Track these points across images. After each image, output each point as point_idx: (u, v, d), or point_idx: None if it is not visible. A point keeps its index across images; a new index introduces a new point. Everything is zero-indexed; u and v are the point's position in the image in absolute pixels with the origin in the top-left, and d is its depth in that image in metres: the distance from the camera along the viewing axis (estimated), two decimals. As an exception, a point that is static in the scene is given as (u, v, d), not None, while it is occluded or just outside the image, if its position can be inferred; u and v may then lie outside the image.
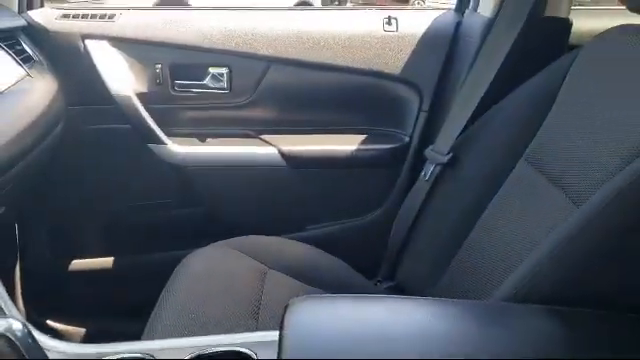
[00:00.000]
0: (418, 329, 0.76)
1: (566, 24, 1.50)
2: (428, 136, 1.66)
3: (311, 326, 0.73)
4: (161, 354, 0.84)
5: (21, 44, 1.46)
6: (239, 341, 0.86)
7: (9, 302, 0.98)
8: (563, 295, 0.80)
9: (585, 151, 1.01)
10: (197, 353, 0.81)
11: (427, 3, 7.33)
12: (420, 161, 1.55)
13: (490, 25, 1.52)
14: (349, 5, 8.37)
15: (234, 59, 1.70)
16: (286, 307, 0.74)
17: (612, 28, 1.17)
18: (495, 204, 1.24)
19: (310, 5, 6.55)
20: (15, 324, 0.63)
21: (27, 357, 0.61)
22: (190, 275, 1.30)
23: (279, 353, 0.66)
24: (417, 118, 1.73)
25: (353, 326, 0.74)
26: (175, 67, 1.69)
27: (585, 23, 1.52)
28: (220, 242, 1.41)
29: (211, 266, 1.34)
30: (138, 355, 0.83)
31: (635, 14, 1.13)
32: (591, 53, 1.19)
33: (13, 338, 0.62)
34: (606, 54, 1.15)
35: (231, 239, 1.43)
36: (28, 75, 1.37)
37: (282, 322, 0.71)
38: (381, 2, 7.40)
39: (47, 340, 0.89)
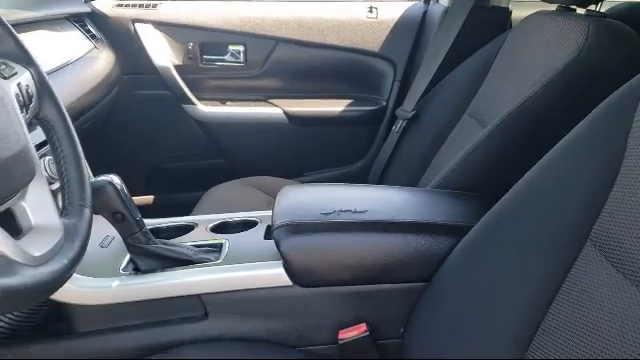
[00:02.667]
0: (379, 192, 1.07)
1: (506, 12, 1.66)
2: (400, 100, 1.80)
3: (291, 196, 1.02)
4: (198, 221, 1.09)
5: (87, 25, 1.71)
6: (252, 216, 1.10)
7: None
8: (464, 185, 1.09)
9: (503, 97, 1.21)
10: (221, 220, 1.08)
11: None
12: (393, 120, 1.70)
13: (446, 12, 1.69)
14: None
15: (249, 39, 1.89)
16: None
17: (531, 14, 1.33)
18: (443, 149, 1.42)
19: None
20: (116, 178, 0.85)
21: (125, 200, 0.90)
22: (213, 201, 1.51)
23: (272, 218, 0.96)
24: (392, 86, 1.91)
25: (323, 191, 1.05)
26: (203, 45, 1.89)
27: (522, 12, 1.58)
28: (236, 180, 1.64)
29: (229, 196, 1.55)
30: (183, 223, 1.08)
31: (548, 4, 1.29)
32: (516, 34, 1.35)
33: (117, 185, 0.84)
34: (525, 34, 1.31)
35: (245, 178, 1.65)
36: (95, 48, 1.64)
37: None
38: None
39: None
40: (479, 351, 0.75)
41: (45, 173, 0.64)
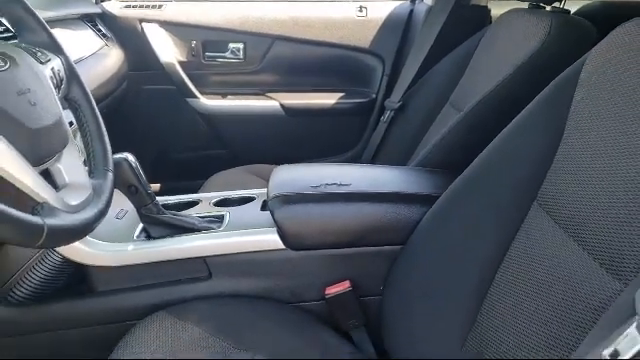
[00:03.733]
0: (363, 169, 1.18)
1: (485, 10, 1.72)
2: (388, 92, 1.86)
3: (284, 173, 1.13)
4: (202, 198, 1.19)
5: (98, 25, 1.81)
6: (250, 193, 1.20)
7: None
8: (439, 163, 1.20)
9: (478, 88, 1.26)
10: (223, 197, 1.19)
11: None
12: (382, 111, 1.78)
13: (430, 11, 1.79)
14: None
15: (248, 37, 1.98)
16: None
17: (505, 12, 1.40)
18: (426, 137, 1.49)
19: None
20: (130, 156, 0.97)
21: (139, 175, 0.99)
22: (214, 187, 1.58)
23: (267, 191, 1.07)
24: (381, 80, 2.00)
25: (312, 169, 1.15)
26: (205, 43, 1.99)
27: (500, 10, 1.60)
28: (236, 168, 1.73)
29: (229, 182, 1.62)
30: (189, 199, 1.19)
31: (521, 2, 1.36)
32: (492, 30, 1.43)
33: (131, 162, 0.96)
34: (499, 30, 1.38)
35: (244, 166, 1.74)
36: (106, 45, 1.74)
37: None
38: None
39: None
40: (445, 302, 0.86)
41: (76, 142, 0.74)
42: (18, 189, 0.56)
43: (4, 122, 0.57)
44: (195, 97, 1.99)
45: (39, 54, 0.72)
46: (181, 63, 1.97)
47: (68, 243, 0.62)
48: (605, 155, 0.69)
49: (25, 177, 0.57)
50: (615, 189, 0.66)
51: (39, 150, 0.62)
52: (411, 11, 1.99)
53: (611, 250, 0.63)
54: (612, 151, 0.69)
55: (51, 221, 0.56)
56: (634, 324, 0.40)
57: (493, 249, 0.82)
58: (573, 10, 1.50)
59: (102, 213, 0.67)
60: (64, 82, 0.76)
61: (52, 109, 0.66)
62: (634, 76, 0.70)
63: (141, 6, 1.95)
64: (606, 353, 0.41)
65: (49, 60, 0.73)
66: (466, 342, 0.80)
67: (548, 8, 1.27)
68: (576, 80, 0.82)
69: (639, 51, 0.72)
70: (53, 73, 0.72)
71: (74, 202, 0.63)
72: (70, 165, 0.68)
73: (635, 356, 0.39)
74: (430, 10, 1.80)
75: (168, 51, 1.97)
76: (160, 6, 1.95)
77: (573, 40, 1.16)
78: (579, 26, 1.19)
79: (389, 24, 2.00)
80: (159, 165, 2.03)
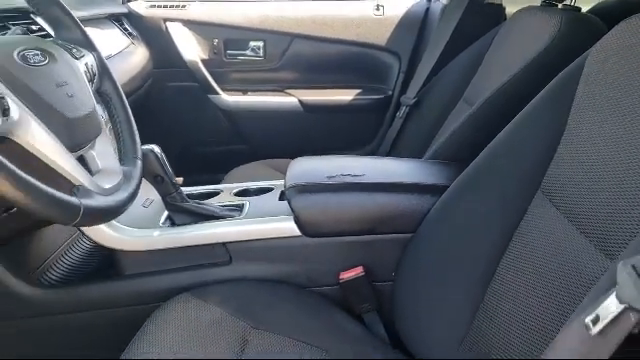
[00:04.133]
0: (377, 161, 1.22)
1: (500, 8, 1.72)
2: (404, 89, 1.91)
3: (301, 164, 1.18)
4: (223, 188, 1.24)
5: (124, 24, 1.87)
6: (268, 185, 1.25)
7: None
8: (450, 156, 1.23)
9: (489, 84, 1.28)
10: (243, 187, 1.24)
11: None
12: (398, 108, 1.81)
13: (445, 9, 1.83)
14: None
15: (268, 35, 2.05)
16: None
17: (518, 10, 1.42)
18: (440, 132, 1.51)
19: None
20: (156, 148, 1.02)
21: (164, 165, 1.05)
22: (234, 180, 1.59)
23: (285, 182, 1.11)
24: (397, 77, 2.05)
25: (328, 160, 1.19)
26: (227, 41, 2.06)
27: (514, 8, 1.61)
28: (255, 162, 1.78)
29: (248, 175, 1.68)
30: (211, 189, 1.24)
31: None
32: (505, 27, 1.45)
33: (157, 153, 1.00)
34: (512, 28, 1.41)
35: (263, 160, 1.79)
36: (132, 44, 1.81)
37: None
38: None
39: None
40: (454, 287, 0.90)
41: (108, 133, 0.80)
42: (58, 172, 0.62)
43: (44, 111, 0.63)
44: (217, 93, 2.05)
45: (74, 50, 0.78)
46: (203, 61, 2.04)
47: (101, 223, 0.68)
48: (602, 145, 0.73)
49: (64, 162, 0.62)
50: (608, 175, 0.69)
51: (75, 138, 0.68)
52: (427, 9, 2.03)
53: (601, 229, 0.68)
54: (609, 141, 0.72)
55: (87, 202, 0.62)
56: (614, 293, 0.44)
57: (498, 237, 0.86)
58: (587, 8, 1.51)
59: (132, 196, 0.73)
60: (96, 77, 0.82)
61: (87, 101, 0.72)
62: (631, 70, 0.74)
63: (165, 6, 2.02)
64: (588, 320, 0.45)
65: (83, 56, 0.79)
66: (472, 323, 0.84)
67: (560, 6, 1.29)
68: (579, 75, 0.85)
69: (636, 46, 0.75)
70: (87, 68, 0.78)
71: (107, 186, 0.69)
72: (103, 152, 0.74)
73: (612, 320, 0.42)
74: (445, 8, 1.83)
75: (191, 49, 2.03)
76: (184, 6, 2.02)
77: (583, 37, 1.17)
78: (589, 23, 1.21)
79: (405, 22, 2.04)
80: (182, 159, 2.08)
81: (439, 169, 1.17)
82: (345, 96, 2.07)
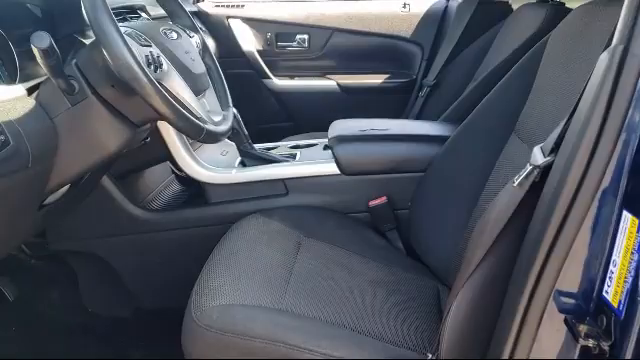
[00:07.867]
0: (398, 121, 1.50)
1: (506, 6, 1.89)
2: (425, 73, 2.15)
3: (340, 123, 1.47)
4: (280, 144, 1.57)
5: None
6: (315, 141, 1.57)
7: None
8: (457, 118, 1.45)
9: (494, 63, 1.53)
10: (295, 143, 1.57)
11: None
12: (420, 89, 2.04)
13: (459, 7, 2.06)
14: None
15: (311, 30, 2.30)
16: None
17: (519, 7, 1.63)
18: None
19: None
20: (234, 110, 1.37)
21: (239, 121, 1.37)
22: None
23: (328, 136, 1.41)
24: (420, 63, 2.28)
25: (360, 121, 1.48)
26: (278, 35, 2.32)
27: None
28: (301, 134, 1.98)
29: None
30: (271, 145, 1.58)
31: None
32: (508, 21, 1.67)
33: (235, 114, 1.36)
34: (513, 22, 1.63)
35: (306, 133, 1.99)
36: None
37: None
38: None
39: None
40: (451, 210, 1.19)
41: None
42: (188, 108, 0.93)
43: (180, 67, 0.94)
44: (269, 78, 2.31)
45: (188, 31, 1.09)
46: (258, 51, 2.30)
47: (213, 142, 0.98)
48: (554, 92, 1.01)
49: (193, 102, 0.94)
50: (552, 109, 0.98)
51: (197, 87, 0.99)
52: (446, 7, 2.27)
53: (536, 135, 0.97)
54: (557, 89, 1.00)
55: (206, 126, 0.93)
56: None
57: (483, 167, 1.15)
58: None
59: (229, 129, 1.04)
60: (200, 51, 1.13)
61: (201, 65, 1.03)
62: (574, 42, 1.01)
63: (228, 5, 2.29)
64: (516, 181, 0.73)
65: (193, 36, 1.11)
66: (463, 234, 1.13)
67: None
68: (544, 46, 1.13)
69: (579, 26, 1.03)
70: (196, 44, 1.10)
71: (216, 119, 1.00)
72: (210, 100, 1.05)
73: (526, 175, 0.70)
74: (459, 6, 2.07)
75: (248, 42, 2.30)
76: (243, 5, 2.29)
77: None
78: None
79: (427, 18, 2.27)
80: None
81: (444, 125, 1.46)
82: (376, 80, 2.31)
